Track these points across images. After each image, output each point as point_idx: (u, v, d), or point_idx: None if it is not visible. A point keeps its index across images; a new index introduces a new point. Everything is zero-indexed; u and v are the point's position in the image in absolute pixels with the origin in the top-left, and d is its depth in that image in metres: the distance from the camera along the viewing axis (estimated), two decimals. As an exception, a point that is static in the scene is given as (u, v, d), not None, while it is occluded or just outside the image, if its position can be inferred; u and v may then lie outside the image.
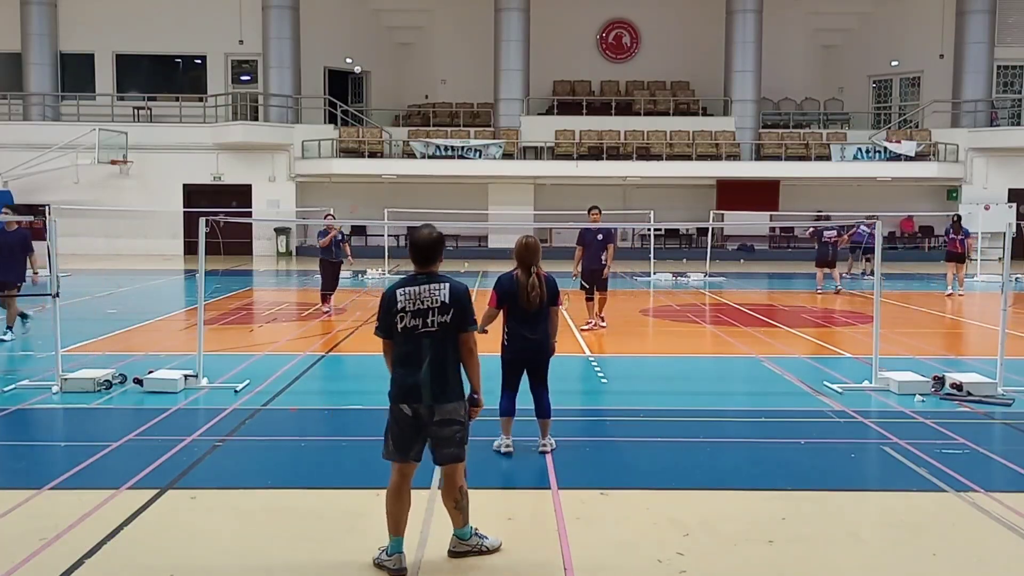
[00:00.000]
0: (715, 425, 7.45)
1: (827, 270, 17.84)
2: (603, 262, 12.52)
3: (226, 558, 4.60)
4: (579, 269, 12.63)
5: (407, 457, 4.47)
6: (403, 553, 4.43)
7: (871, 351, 8.95)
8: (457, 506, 4.55)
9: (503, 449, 6.36)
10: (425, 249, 4.46)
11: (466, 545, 4.59)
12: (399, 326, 4.42)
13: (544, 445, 6.39)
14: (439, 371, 4.42)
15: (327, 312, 14.52)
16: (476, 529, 4.65)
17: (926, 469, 6.07)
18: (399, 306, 4.40)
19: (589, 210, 12.78)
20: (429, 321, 4.39)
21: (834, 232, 17.67)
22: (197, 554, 4.64)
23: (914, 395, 8.23)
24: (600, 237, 12.57)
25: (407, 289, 4.42)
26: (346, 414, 7.90)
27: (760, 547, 4.76)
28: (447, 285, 4.43)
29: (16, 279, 11.61)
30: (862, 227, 19.83)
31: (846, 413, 7.70)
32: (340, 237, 15.07)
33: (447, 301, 4.39)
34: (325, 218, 15.07)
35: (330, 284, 14.95)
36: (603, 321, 12.82)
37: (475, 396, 4.57)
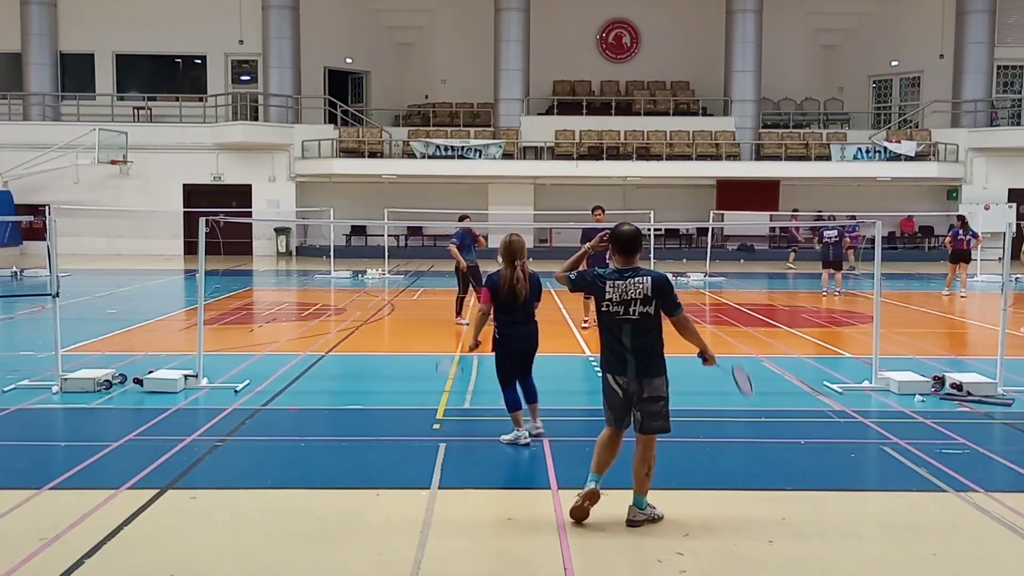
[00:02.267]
0: (715, 425, 7.45)
1: (832, 271, 17.71)
2: (607, 262, 12.52)
3: (226, 558, 4.60)
4: (585, 268, 12.61)
5: (620, 427, 5.11)
6: (597, 484, 5.02)
7: (871, 351, 8.95)
8: (649, 473, 5.04)
9: (522, 440, 6.60)
10: (627, 241, 5.09)
11: (643, 514, 5.03)
12: (602, 310, 5.05)
13: (538, 427, 6.75)
14: (641, 353, 4.97)
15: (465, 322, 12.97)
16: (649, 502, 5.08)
17: (926, 469, 6.07)
18: (607, 296, 5.00)
19: (593, 210, 12.71)
20: (631, 311, 4.96)
21: (834, 232, 17.56)
22: (197, 554, 4.64)
23: (914, 395, 8.23)
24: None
25: (616, 283, 5.00)
26: (346, 414, 7.90)
27: (760, 547, 4.76)
28: (649, 278, 4.99)
29: None
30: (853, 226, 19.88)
31: (846, 413, 7.71)
32: (472, 238, 13.46)
33: (649, 293, 4.94)
34: (461, 220, 13.59)
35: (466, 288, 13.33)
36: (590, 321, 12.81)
37: (705, 352, 5.21)
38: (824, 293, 17.74)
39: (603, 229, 12.63)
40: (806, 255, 27.77)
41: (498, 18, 29.87)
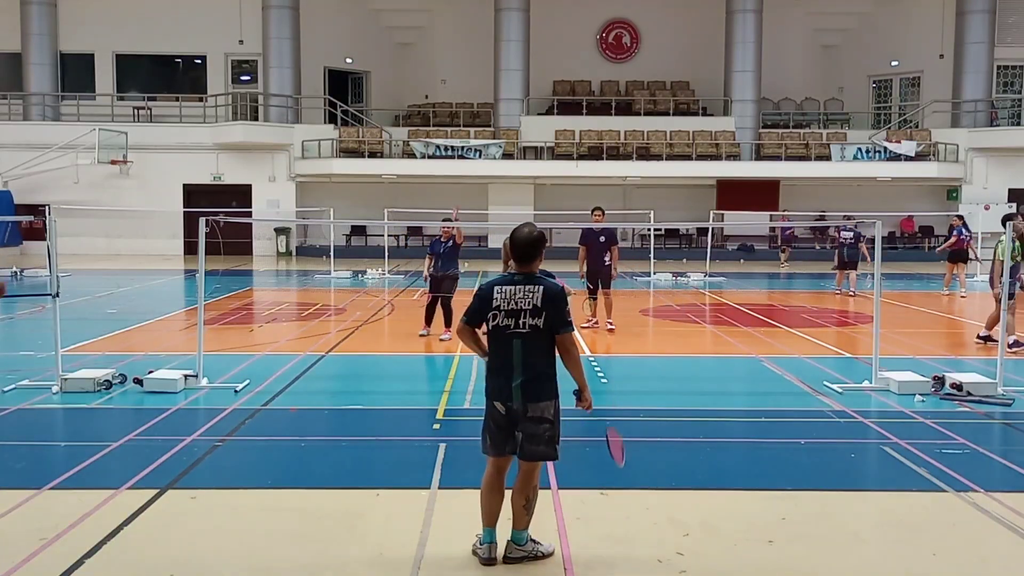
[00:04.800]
0: (715, 425, 7.45)
1: (847, 271, 17.55)
2: (606, 263, 12.53)
3: (226, 558, 4.60)
4: (584, 269, 12.67)
5: (502, 452, 4.53)
6: (495, 543, 4.50)
7: (871, 351, 8.95)
8: (527, 505, 4.53)
9: None
10: (524, 246, 4.48)
11: (522, 551, 4.53)
12: (491, 324, 4.46)
13: None
14: (530, 371, 4.44)
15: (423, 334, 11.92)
16: (531, 535, 4.60)
17: (926, 469, 6.06)
18: (494, 304, 4.45)
19: (592, 211, 12.67)
20: (521, 323, 4.42)
21: (851, 233, 17.37)
22: (197, 554, 4.64)
23: (914, 395, 8.23)
24: (603, 239, 12.57)
25: (504, 288, 4.46)
26: (346, 414, 7.90)
27: (760, 547, 4.76)
28: (541, 287, 4.45)
29: None
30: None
31: (846, 413, 7.70)
32: (444, 247, 11.89)
33: (539, 304, 4.41)
34: (452, 218, 12.35)
35: (431, 303, 12.00)
36: (611, 324, 12.65)
37: (581, 392, 4.61)
38: (839, 293, 17.71)
39: (603, 230, 12.51)
40: (806, 255, 27.87)
41: (498, 18, 29.87)
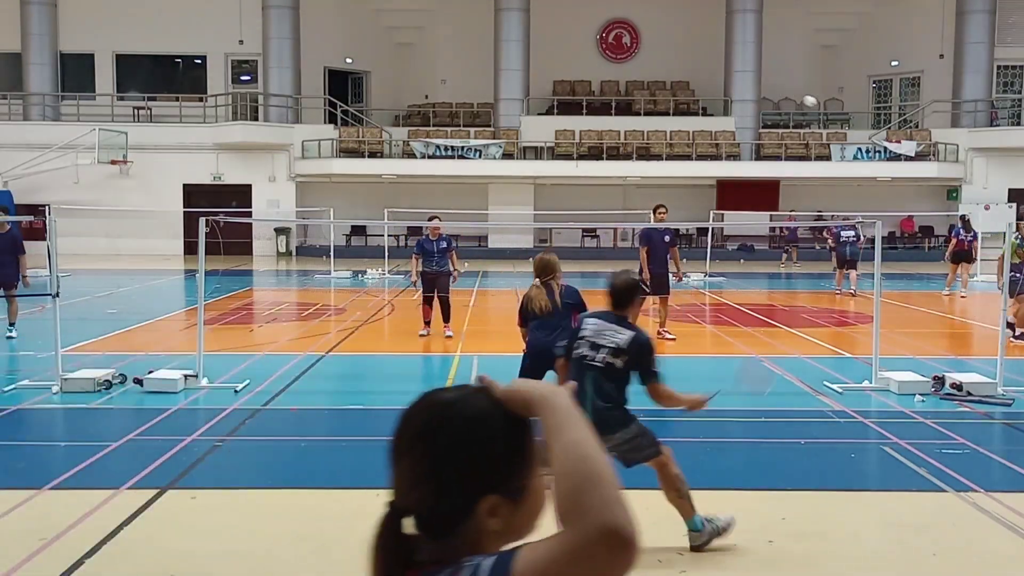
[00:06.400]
0: (715, 425, 7.44)
1: (847, 270, 17.46)
2: (667, 266, 11.56)
3: (226, 558, 4.60)
4: (647, 274, 11.24)
5: None
6: None
7: (871, 351, 8.95)
8: (680, 494, 4.59)
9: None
10: (622, 290, 4.70)
11: (703, 535, 4.62)
12: (573, 352, 4.62)
13: None
14: (597, 407, 4.48)
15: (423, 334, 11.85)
16: (704, 517, 4.65)
17: (926, 469, 6.06)
18: (582, 332, 4.63)
19: (655, 208, 11.86)
20: (598, 357, 4.56)
21: (852, 232, 17.26)
22: (197, 554, 4.64)
23: (914, 395, 8.22)
24: (667, 238, 11.49)
25: (597, 321, 4.65)
26: (346, 414, 7.90)
27: (760, 547, 4.76)
28: (631, 332, 4.58)
29: (12, 278, 11.72)
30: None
31: (846, 413, 7.70)
32: (438, 246, 11.83)
33: (623, 346, 4.53)
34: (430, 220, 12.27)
35: (427, 301, 11.88)
36: (669, 332, 11.72)
37: (691, 409, 4.81)
38: (838, 293, 17.67)
39: (667, 229, 11.66)
40: (805, 255, 27.85)
41: (498, 18, 29.86)
